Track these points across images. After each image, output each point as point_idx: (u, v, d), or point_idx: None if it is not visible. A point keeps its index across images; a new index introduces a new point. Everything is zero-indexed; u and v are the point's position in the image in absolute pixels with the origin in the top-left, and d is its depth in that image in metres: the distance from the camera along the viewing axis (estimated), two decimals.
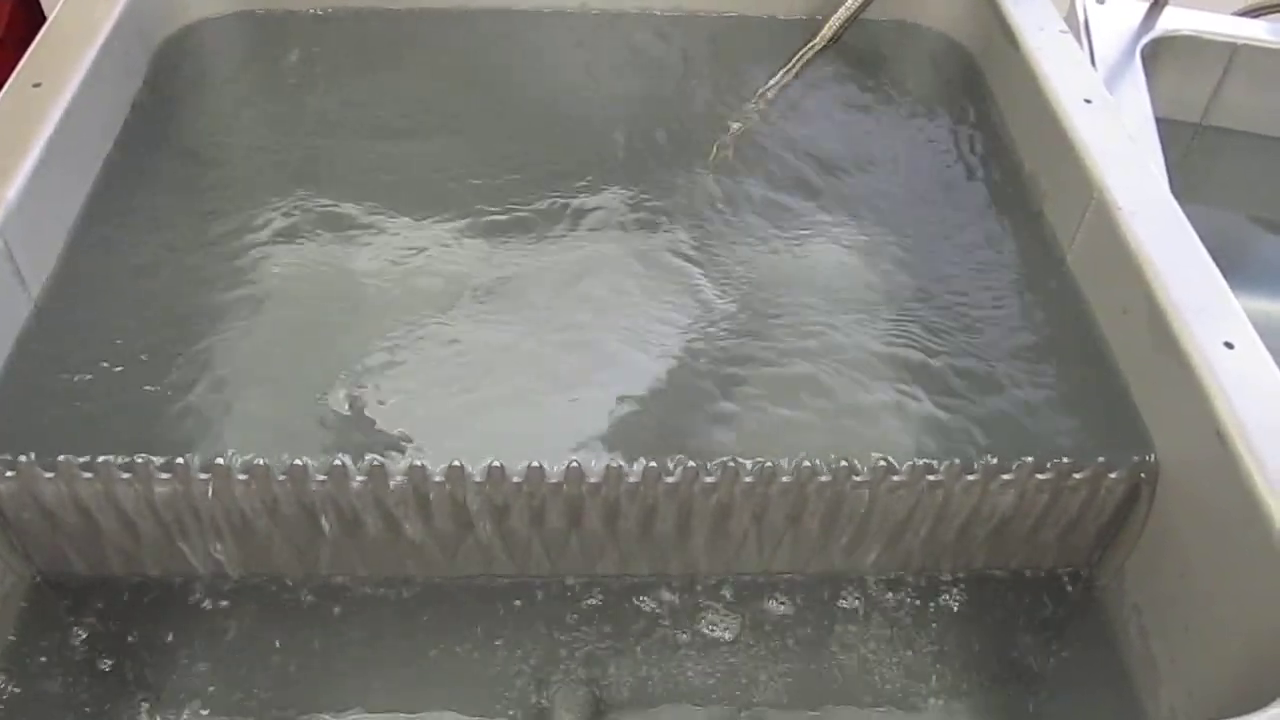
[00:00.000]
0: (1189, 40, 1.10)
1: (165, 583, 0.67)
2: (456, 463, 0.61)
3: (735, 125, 0.89)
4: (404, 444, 0.62)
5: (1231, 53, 1.10)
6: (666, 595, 0.68)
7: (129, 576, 0.67)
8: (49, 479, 0.61)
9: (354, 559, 0.66)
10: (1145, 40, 1.07)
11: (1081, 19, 1.09)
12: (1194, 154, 1.14)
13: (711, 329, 0.71)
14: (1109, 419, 0.67)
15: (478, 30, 0.97)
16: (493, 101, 0.90)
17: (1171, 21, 1.10)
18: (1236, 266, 1.01)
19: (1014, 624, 0.68)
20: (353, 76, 0.91)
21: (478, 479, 0.62)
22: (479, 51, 0.95)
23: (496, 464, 0.61)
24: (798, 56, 0.96)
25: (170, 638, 0.65)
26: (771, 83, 0.94)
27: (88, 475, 0.61)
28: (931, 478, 0.63)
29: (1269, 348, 0.64)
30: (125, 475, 0.61)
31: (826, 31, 0.97)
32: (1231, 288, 0.68)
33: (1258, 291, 1.02)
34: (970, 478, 0.64)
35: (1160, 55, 1.08)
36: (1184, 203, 0.74)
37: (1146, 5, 1.11)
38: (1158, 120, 0.98)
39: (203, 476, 0.61)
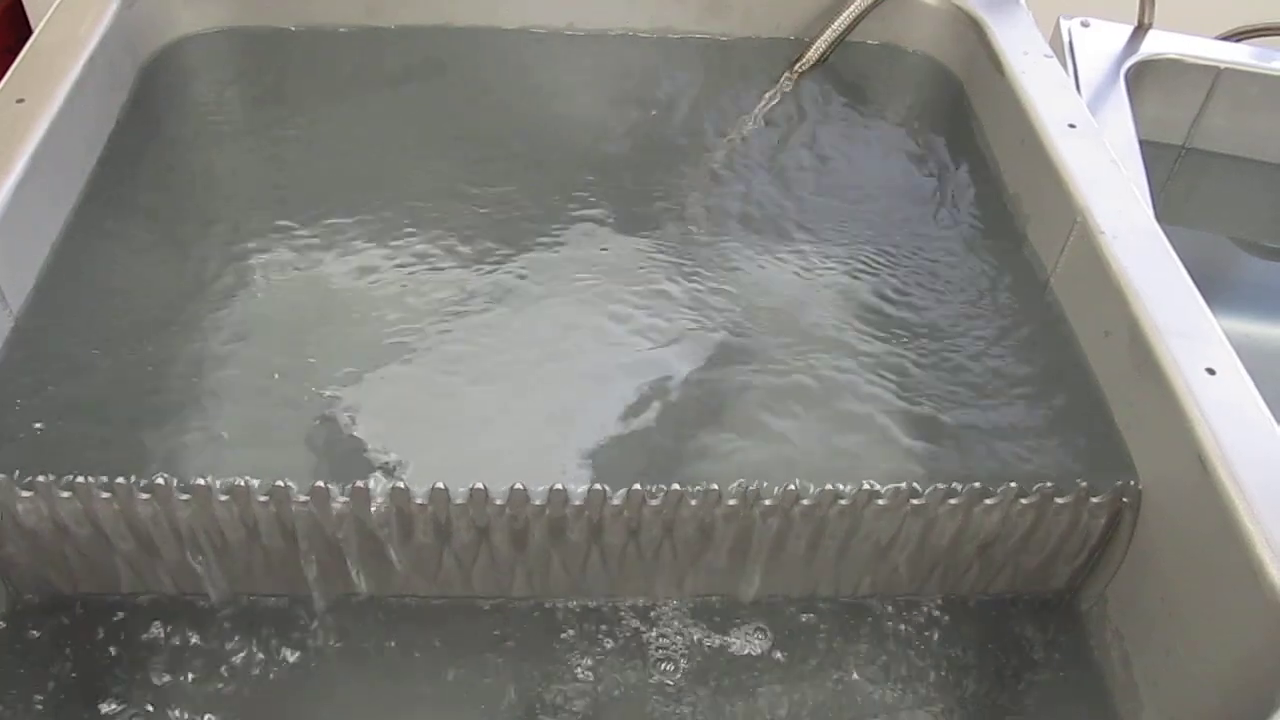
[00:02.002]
0: (1173, 64, 1.10)
1: (144, 603, 0.67)
2: (439, 484, 0.61)
3: (721, 146, 0.89)
4: (386, 465, 0.62)
5: (1215, 76, 1.10)
6: (650, 618, 0.68)
7: (108, 596, 0.67)
8: (27, 498, 0.61)
9: (335, 579, 0.66)
10: (1129, 64, 1.08)
11: (1066, 42, 1.10)
12: (1177, 176, 1.15)
13: (695, 353, 0.71)
14: (1092, 443, 0.67)
15: (464, 49, 0.97)
16: (478, 120, 0.90)
17: (1155, 45, 1.10)
18: (1218, 288, 1.01)
19: (996, 648, 0.68)
20: (339, 94, 0.91)
21: (460, 501, 0.61)
22: (465, 70, 0.95)
23: (479, 486, 0.61)
24: (784, 78, 0.97)
25: (150, 657, 0.65)
26: (758, 105, 0.94)
27: (66, 495, 0.60)
28: (915, 502, 0.63)
29: (1250, 368, 0.64)
30: (105, 495, 0.61)
31: (812, 54, 0.97)
32: (1213, 309, 0.68)
33: (1239, 313, 1.02)
34: (953, 502, 0.64)
35: (1144, 78, 1.09)
36: (1166, 224, 0.74)
37: (1130, 29, 1.12)
38: (1141, 143, 0.99)
39: (183, 497, 0.61)
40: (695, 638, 0.68)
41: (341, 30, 0.97)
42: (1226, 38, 1.16)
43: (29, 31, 0.83)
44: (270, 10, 0.96)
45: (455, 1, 0.97)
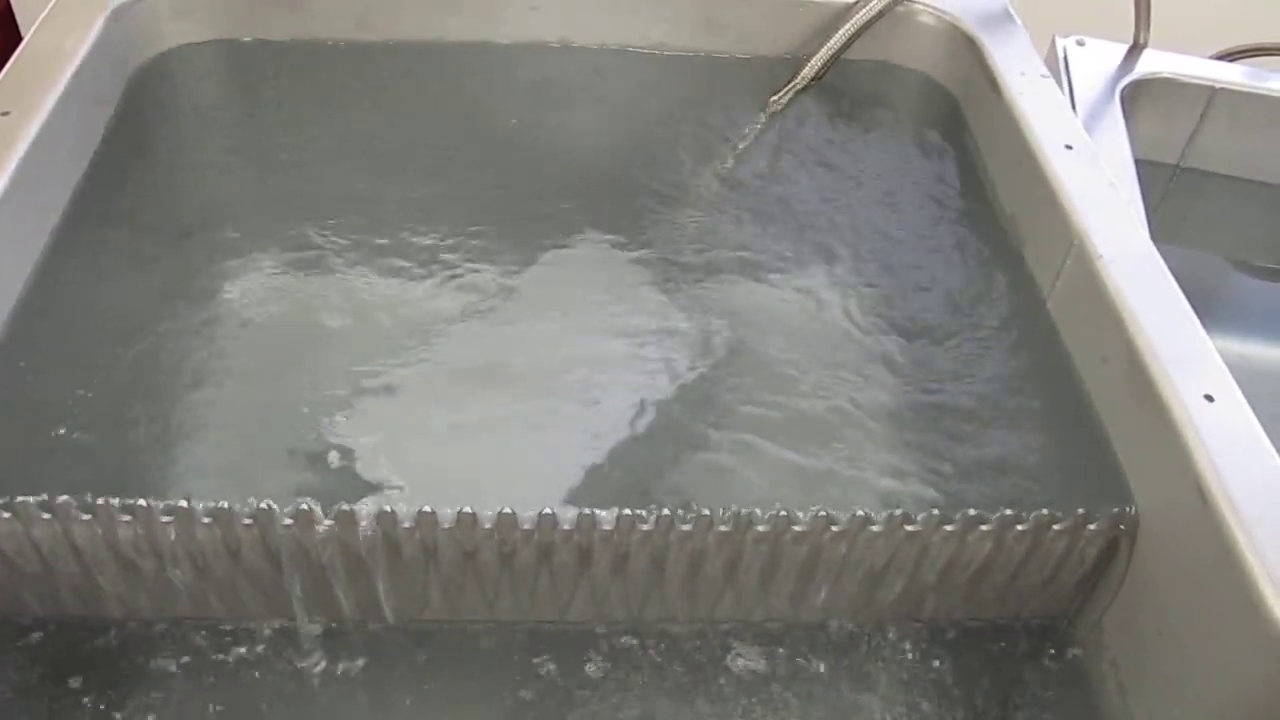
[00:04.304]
0: (1168, 83, 1.10)
1: (124, 625, 0.65)
2: (426, 508, 0.60)
3: (714, 165, 0.88)
4: (372, 488, 0.61)
5: (1210, 96, 1.10)
6: (639, 643, 0.67)
7: (87, 619, 0.65)
8: (5, 519, 0.59)
9: (319, 603, 0.65)
10: (1125, 82, 1.08)
11: (1061, 60, 1.10)
12: (1171, 195, 1.15)
13: (687, 375, 0.70)
14: (1088, 470, 0.66)
15: (457, 63, 0.96)
16: (471, 136, 0.89)
17: (1151, 64, 1.10)
18: (1211, 308, 1.01)
19: (990, 675, 0.67)
20: (329, 108, 0.90)
21: (447, 525, 0.60)
22: (458, 85, 0.94)
23: (467, 510, 0.60)
24: (779, 95, 0.96)
25: (127, 682, 0.63)
26: (752, 122, 0.93)
27: (46, 516, 0.59)
28: (909, 528, 0.62)
29: (1243, 389, 0.64)
30: (85, 517, 0.59)
31: (808, 71, 0.97)
32: (1206, 330, 0.67)
33: (1233, 334, 1.02)
34: (948, 528, 0.63)
35: (1139, 98, 1.09)
36: (1161, 244, 0.74)
37: (1126, 48, 1.12)
38: (1136, 162, 0.98)
39: (165, 519, 0.60)
40: (685, 662, 0.67)
41: (331, 44, 0.96)
42: (1221, 57, 1.16)
43: (19, 39, 0.82)
44: (259, 23, 0.95)
45: (448, 16, 0.96)
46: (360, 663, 0.65)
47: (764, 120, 0.94)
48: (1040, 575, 0.66)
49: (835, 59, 0.97)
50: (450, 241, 0.78)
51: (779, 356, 0.72)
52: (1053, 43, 1.12)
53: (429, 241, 0.78)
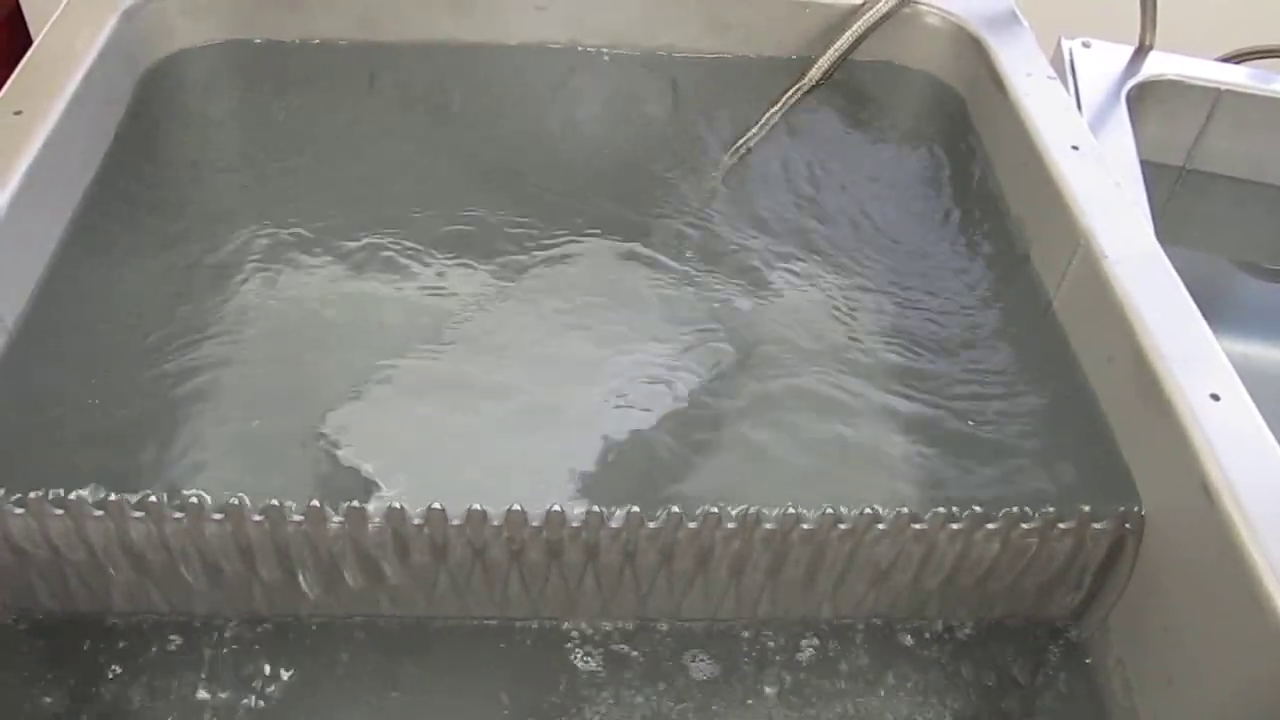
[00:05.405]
0: (1173, 85, 1.10)
1: (135, 621, 0.66)
2: (436, 505, 0.60)
3: (720, 166, 0.89)
4: (382, 485, 0.61)
5: (1215, 98, 1.10)
6: (646, 640, 0.67)
7: (98, 614, 0.66)
8: (19, 514, 0.60)
9: (329, 599, 0.65)
10: (1130, 84, 1.08)
11: (1067, 62, 1.10)
12: (1177, 197, 1.15)
13: (694, 374, 0.70)
14: (1094, 468, 0.66)
15: (467, 64, 0.96)
16: (481, 136, 0.90)
17: (1156, 66, 1.10)
18: (1217, 309, 1.01)
19: (995, 673, 0.68)
20: (340, 109, 0.91)
21: (457, 522, 0.61)
22: (469, 85, 0.95)
23: (476, 507, 0.61)
24: (786, 96, 0.96)
25: (139, 677, 0.64)
26: (759, 122, 0.94)
27: (58, 511, 0.60)
28: (916, 526, 0.63)
29: (1250, 389, 0.64)
30: (97, 512, 0.60)
31: (815, 72, 0.97)
32: (1213, 330, 0.68)
33: (1239, 335, 1.02)
34: (955, 526, 0.63)
35: (1145, 99, 1.09)
36: (1167, 245, 0.74)
37: (1132, 50, 1.12)
38: (1142, 163, 0.99)
39: (176, 515, 0.60)
40: (689, 660, 0.67)
41: (341, 45, 0.96)
42: (1227, 59, 1.16)
43: (29, 41, 0.82)
44: (268, 24, 0.95)
45: (455, 18, 0.97)
46: (368, 659, 0.66)
47: (769, 122, 0.94)
48: (1046, 573, 0.66)
49: (842, 60, 0.97)
50: (456, 240, 0.78)
51: (782, 355, 0.72)
52: (1058, 44, 1.12)
53: (435, 240, 0.78)
